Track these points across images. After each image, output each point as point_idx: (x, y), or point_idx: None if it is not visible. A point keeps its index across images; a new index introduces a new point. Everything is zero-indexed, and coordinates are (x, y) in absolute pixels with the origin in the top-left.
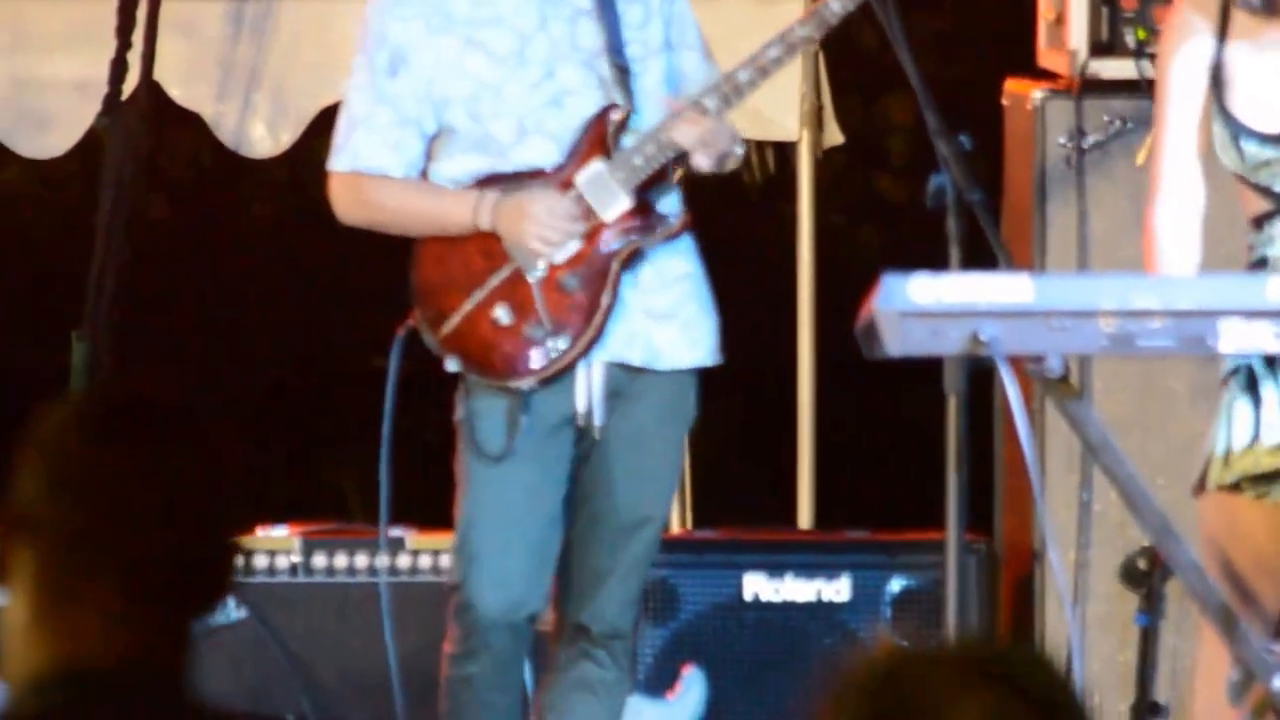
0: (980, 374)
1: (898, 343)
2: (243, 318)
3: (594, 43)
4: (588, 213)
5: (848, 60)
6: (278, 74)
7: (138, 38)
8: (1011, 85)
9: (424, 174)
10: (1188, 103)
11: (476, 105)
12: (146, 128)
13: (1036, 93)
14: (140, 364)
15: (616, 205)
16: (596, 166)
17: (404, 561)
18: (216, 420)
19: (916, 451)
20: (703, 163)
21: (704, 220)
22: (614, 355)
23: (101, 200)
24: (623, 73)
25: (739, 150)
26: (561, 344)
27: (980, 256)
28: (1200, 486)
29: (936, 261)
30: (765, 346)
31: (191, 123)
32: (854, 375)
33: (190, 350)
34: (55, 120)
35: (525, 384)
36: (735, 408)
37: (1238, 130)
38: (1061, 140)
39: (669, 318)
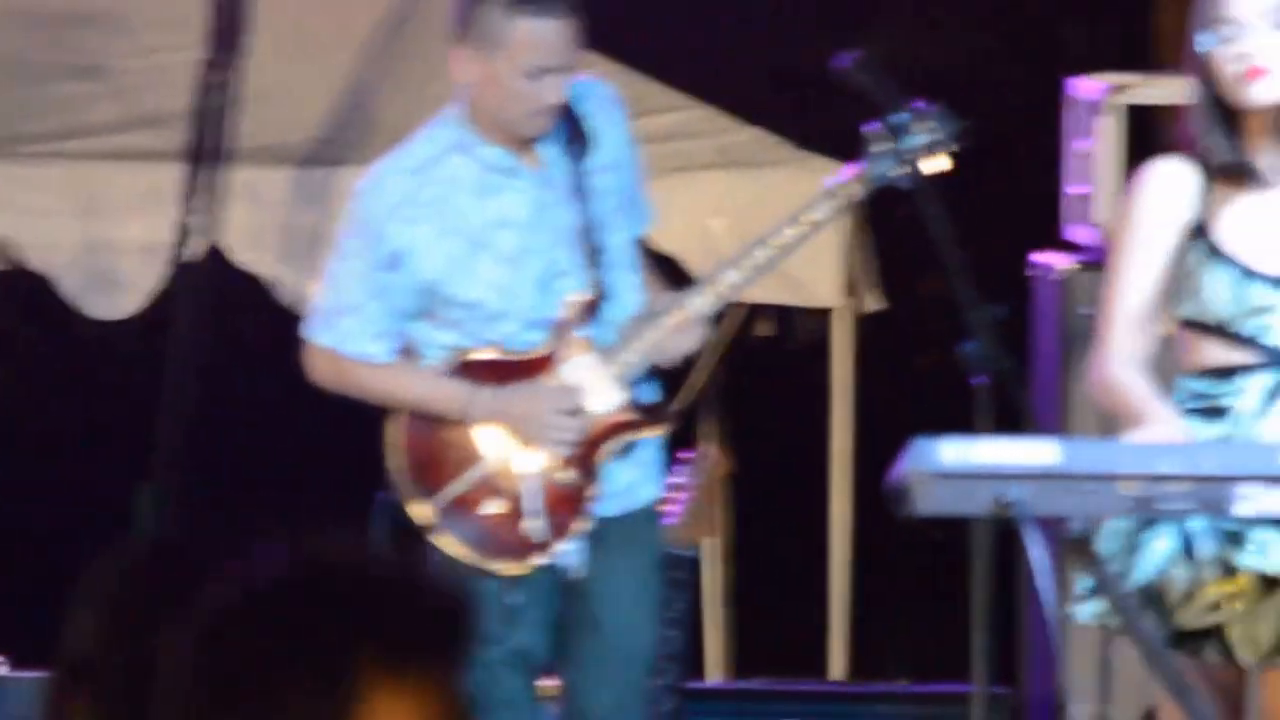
0: (1009, 530)
1: (927, 503)
2: (298, 473)
3: (576, 223)
4: (582, 405)
5: (885, 230)
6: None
7: (203, 203)
8: (1038, 258)
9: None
10: (1159, 247)
11: (484, 308)
12: (212, 290)
13: (1062, 264)
14: (203, 518)
15: (609, 399)
16: (585, 358)
17: None
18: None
19: (948, 602)
20: (669, 361)
21: (745, 382)
22: (594, 512)
23: (169, 358)
24: (596, 254)
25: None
26: (553, 538)
27: (1008, 422)
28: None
29: (966, 427)
30: (801, 506)
31: (254, 285)
32: (889, 532)
33: (251, 507)
34: (124, 282)
35: (519, 571)
36: (772, 565)
37: (1245, 272)
38: (1086, 310)
39: (632, 462)
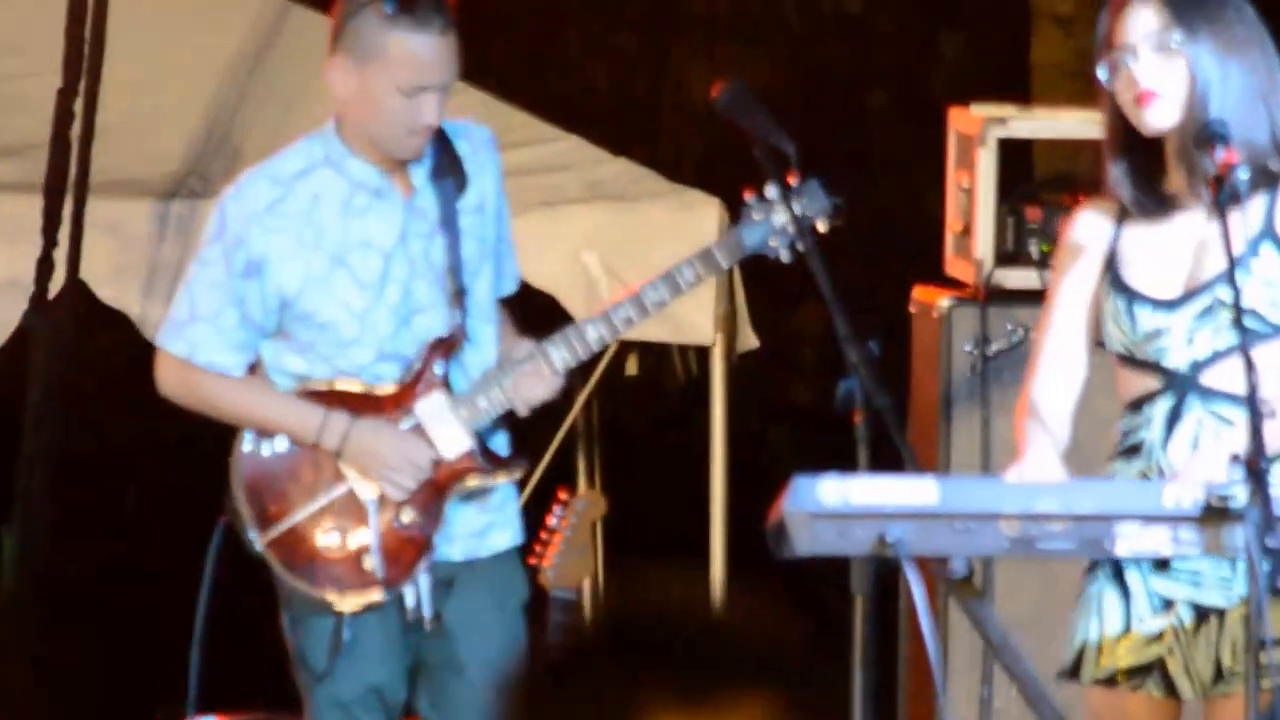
0: (887, 571)
1: (807, 543)
2: (169, 510)
3: (441, 260)
4: (430, 450)
5: (761, 266)
6: None
7: (64, 236)
8: (919, 293)
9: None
10: (1080, 285)
11: (338, 330)
12: (73, 326)
13: (943, 300)
14: (67, 556)
15: (458, 444)
16: (438, 399)
17: None
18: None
19: (823, 646)
20: (523, 411)
21: (623, 420)
22: (438, 555)
23: (29, 397)
24: (461, 294)
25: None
26: (391, 576)
27: (887, 460)
28: (1073, 674)
29: (845, 465)
30: (677, 543)
31: (118, 322)
32: (765, 574)
33: (116, 537)
34: None
35: (348, 607)
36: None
37: (1132, 298)
38: (967, 347)
39: (484, 508)
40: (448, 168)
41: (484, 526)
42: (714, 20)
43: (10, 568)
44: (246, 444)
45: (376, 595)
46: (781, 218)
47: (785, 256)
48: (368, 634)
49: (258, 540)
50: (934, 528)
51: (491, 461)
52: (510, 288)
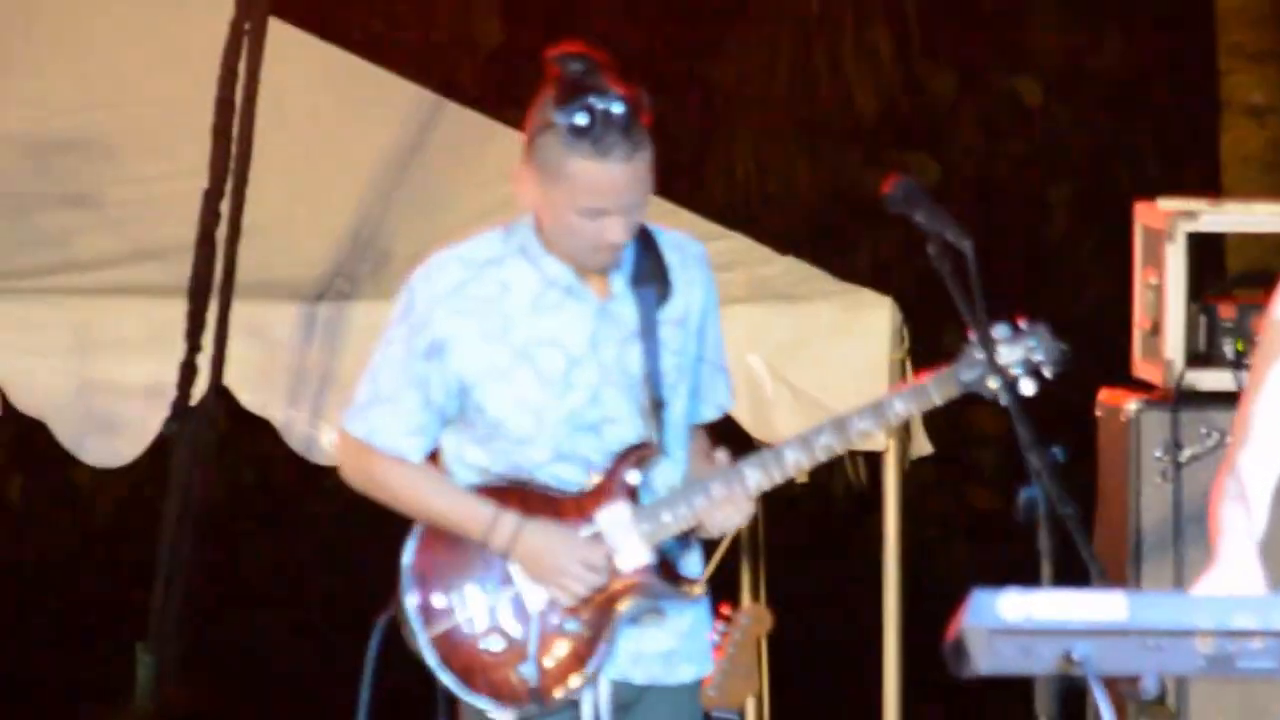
0: (1073, 692)
1: (987, 661)
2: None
3: (637, 369)
4: (607, 558)
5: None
6: (349, 379)
7: (207, 340)
8: (1105, 396)
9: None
10: None
11: (517, 423)
12: (214, 434)
13: (1131, 403)
14: (204, 676)
15: (634, 557)
16: (621, 510)
17: None
18: None
19: None
20: (713, 534)
21: (789, 530)
22: (618, 674)
23: (166, 508)
24: (658, 407)
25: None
26: (544, 686)
27: (1073, 572)
28: None
29: (1028, 577)
30: (848, 663)
31: (261, 428)
32: (942, 690)
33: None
34: (123, 426)
35: (505, 717)
36: None
37: None
38: (1157, 453)
39: (669, 631)
40: (651, 275)
41: (669, 652)
42: (883, 119)
43: (145, 687)
44: (417, 536)
45: (527, 706)
46: (1004, 359)
47: (1003, 399)
48: None
49: (420, 636)
50: (1123, 645)
51: (669, 580)
52: (711, 415)
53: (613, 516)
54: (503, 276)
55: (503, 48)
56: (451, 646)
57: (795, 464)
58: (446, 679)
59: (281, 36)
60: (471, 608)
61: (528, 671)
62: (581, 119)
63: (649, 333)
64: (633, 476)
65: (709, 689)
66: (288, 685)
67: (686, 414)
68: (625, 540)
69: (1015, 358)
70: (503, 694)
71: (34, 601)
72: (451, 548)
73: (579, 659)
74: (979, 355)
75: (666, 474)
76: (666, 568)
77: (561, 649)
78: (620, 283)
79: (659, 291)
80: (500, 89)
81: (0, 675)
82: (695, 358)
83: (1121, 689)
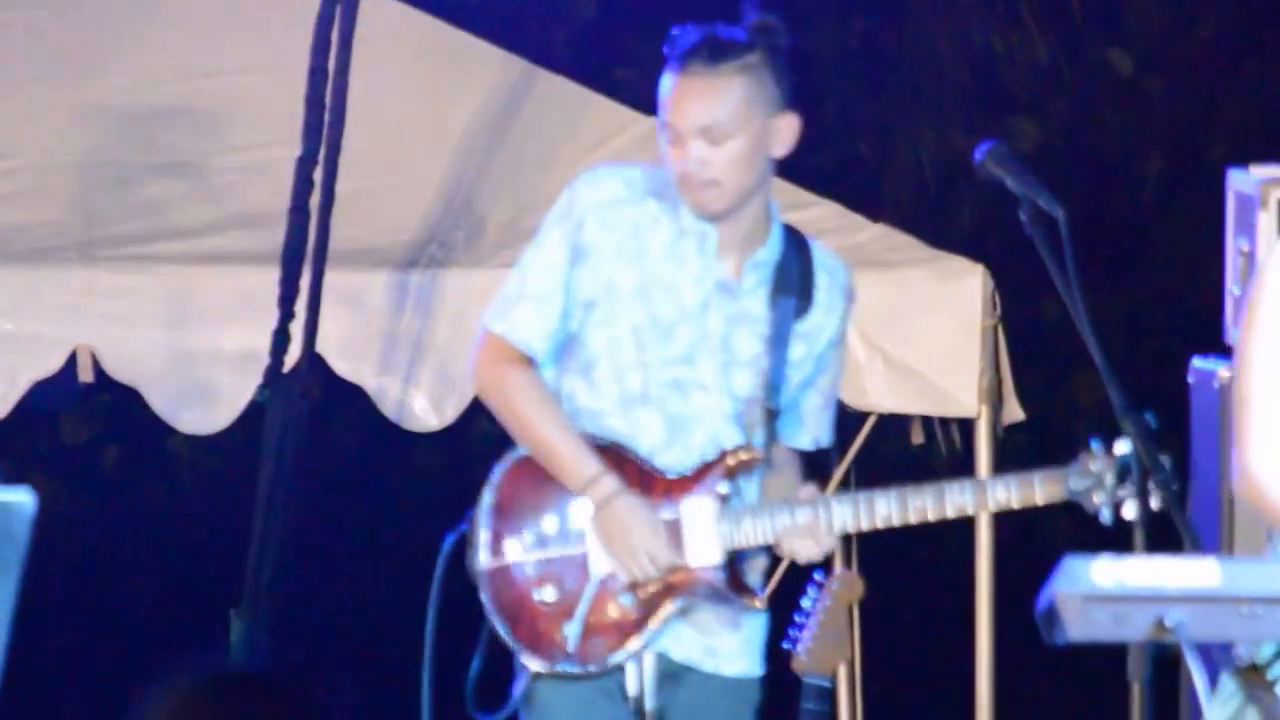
0: (1167, 658)
1: (1080, 628)
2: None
3: (746, 354)
4: (678, 548)
5: (1030, 336)
6: (442, 346)
7: (301, 308)
8: (1198, 363)
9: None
10: None
11: (618, 349)
12: (307, 401)
13: (1225, 371)
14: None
15: (706, 554)
16: (706, 504)
17: None
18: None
19: None
20: (784, 557)
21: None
22: (658, 647)
23: (261, 475)
24: (770, 415)
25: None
26: (582, 651)
27: (1166, 540)
28: None
29: (1120, 544)
30: (940, 631)
31: (354, 395)
32: (1035, 658)
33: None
34: (217, 394)
35: (534, 666)
36: (914, 690)
37: None
38: None
39: (732, 631)
40: (796, 285)
41: (712, 644)
42: (978, 87)
43: (238, 654)
44: (509, 464)
45: (561, 664)
46: (1122, 480)
47: (1106, 517)
48: (553, 698)
49: (480, 564)
50: (1217, 612)
51: (731, 587)
52: (806, 444)
53: (697, 509)
54: (653, 210)
55: (595, 20)
56: (506, 583)
57: (885, 518)
58: (492, 614)
59: (374, 4)
60: (537, 552)
61: (571, 631)
62: (673, 36)
63: (780, 341)
64: (726, 481)
65: (800, 654)
66: (373, 650)
67: (782, 428)
68: (702, 535)
69: (1133, 487)
70: (540, 645)
71: (129, 568)
72: (537, 488)
73: (623, 633)
74: (1094, 468)
75: (754, 484)
76: (733, 574)
77: (609, 618)
78: (754, 279)
79: (800, 304)
80: (592, 61)
81: (96, 642)
82: (807, 381)
83: (1215, 656)
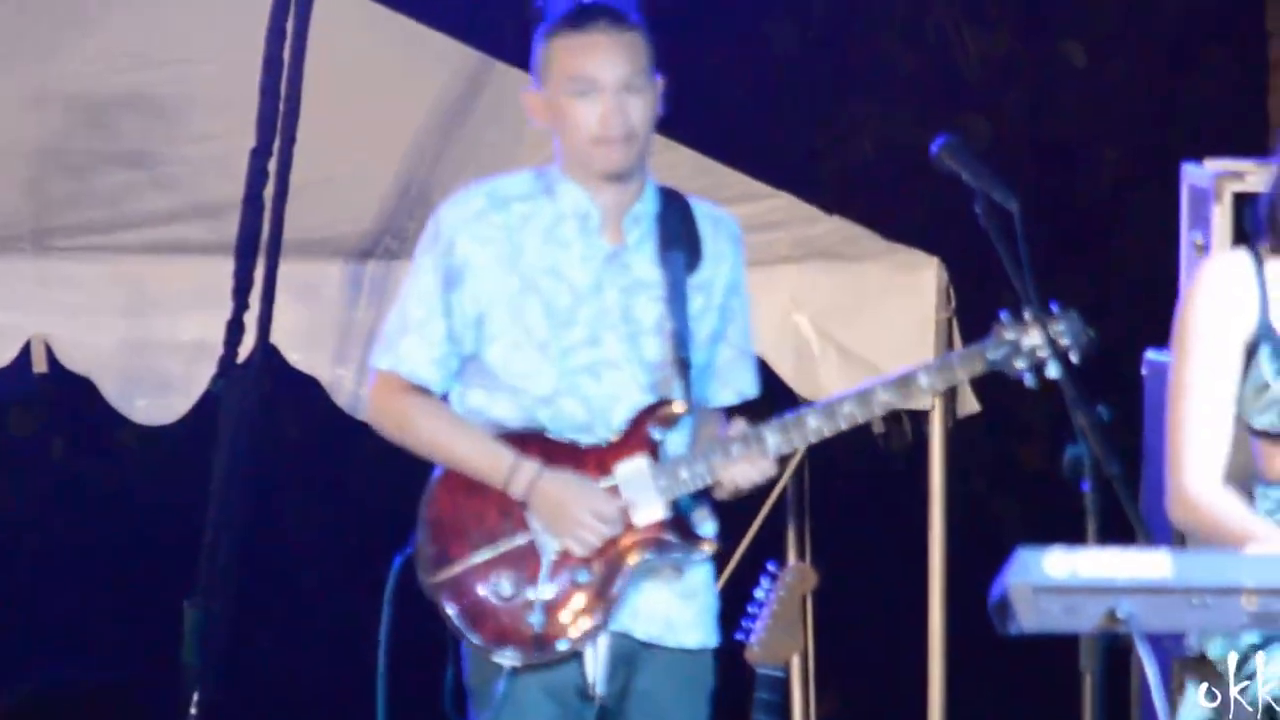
0: (1116, 651)
1: (1032, 619)
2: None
3: (648, 320)
4: (622, 512)
5: (985, 329)
6: None
7: (255, 299)
8: (1152, 355)
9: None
10: (1219, 367)
11: (518, 354)
12: (261, 392)
13: None
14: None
15: (650, 511)
16: (639, 464)
17: None
18: None
19: None
20: (726, 493)
21: (836, 488)
22: (619, 625)
23: (215, 465)
24: (684, 366)
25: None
26: (551, 634)
27: (1118, 531)
28: None
29: (1073, 536)
30: (898, 619)
31: (308, 387)
32: (986, 649)
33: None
34: (172, 385)
35: (508, 663)
36: (866, 680)
37: None
38: None
39: (679, 595)
40: (681, 239)
41: (678, 620)
42: (933, 79)
43: (192, 644)
44: (437, 479)
45: (531, 653)
46: (1032, 341)
47: (1029, 380)
48: (530, 695)
49: (429, 579)
50: (1168, 603)
51: (682, 537)
52: (729, 399)
53: (631, 470)
54: (525, 210)
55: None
56: (461, 591)
57: (816, 430)
58: (454, 620)
59: None
60: (485, 553)
61: (535, 619)
62: (560, 10)
63: (678, 299)
64: (659, 433)
65: (754, 645)
66: (327, 641)
67: (702, 381)
68: (642, 495)
69: (1042, 341)
70: (508, 639)
71: (81, 558)
72: (470, 492)
73: (587, 610)
74: (1008, 335)
75: (679, 436)
76: (680, 524)
77: (570, 599)
78: (636, 234)
79: (687, 258)
80: None
81: (49, 633)
82: (715, 334)
83: (1166, 646)
